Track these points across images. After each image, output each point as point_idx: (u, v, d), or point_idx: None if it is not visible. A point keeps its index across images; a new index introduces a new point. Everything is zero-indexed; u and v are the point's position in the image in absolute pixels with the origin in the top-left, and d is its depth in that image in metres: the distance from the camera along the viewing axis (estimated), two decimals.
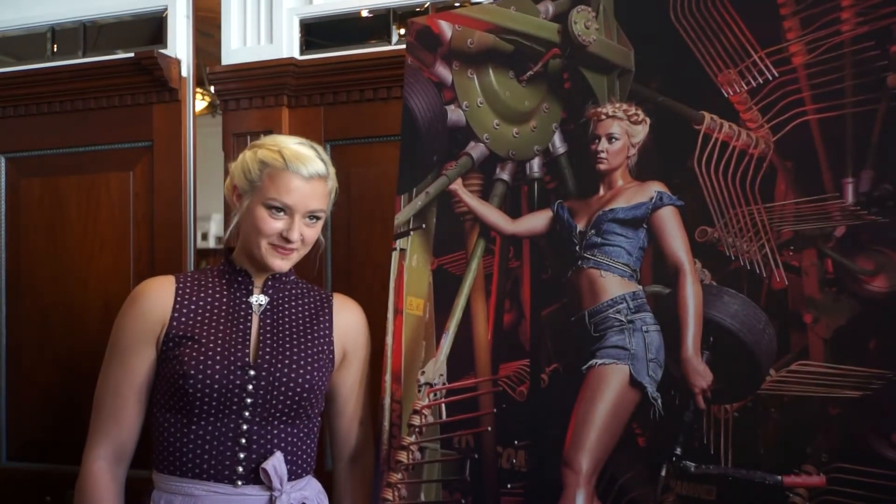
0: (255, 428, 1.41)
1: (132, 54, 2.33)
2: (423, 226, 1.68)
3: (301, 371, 1.45)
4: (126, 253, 2.40)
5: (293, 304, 1.53)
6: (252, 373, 1.41)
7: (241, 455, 1.40)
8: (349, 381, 1.59)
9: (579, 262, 1.47)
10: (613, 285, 1.43)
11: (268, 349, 1.45)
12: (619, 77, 1.47)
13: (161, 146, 2.37)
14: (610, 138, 1.46)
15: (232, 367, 1.40)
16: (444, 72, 1.67)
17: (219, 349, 1.41)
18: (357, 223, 2.13)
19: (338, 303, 1.58)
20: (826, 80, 1.27)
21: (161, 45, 2.40)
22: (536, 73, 1.57)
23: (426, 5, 2.20)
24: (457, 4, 2.18)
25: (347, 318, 1.58)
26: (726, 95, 1.35)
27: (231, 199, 1.49)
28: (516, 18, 1.58)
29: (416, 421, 1.60)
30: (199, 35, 2.43)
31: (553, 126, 1.56)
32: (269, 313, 1.49)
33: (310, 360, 1.47)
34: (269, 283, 1.51)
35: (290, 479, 1.44)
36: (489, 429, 1.55)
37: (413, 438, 1.60)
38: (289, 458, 1.44)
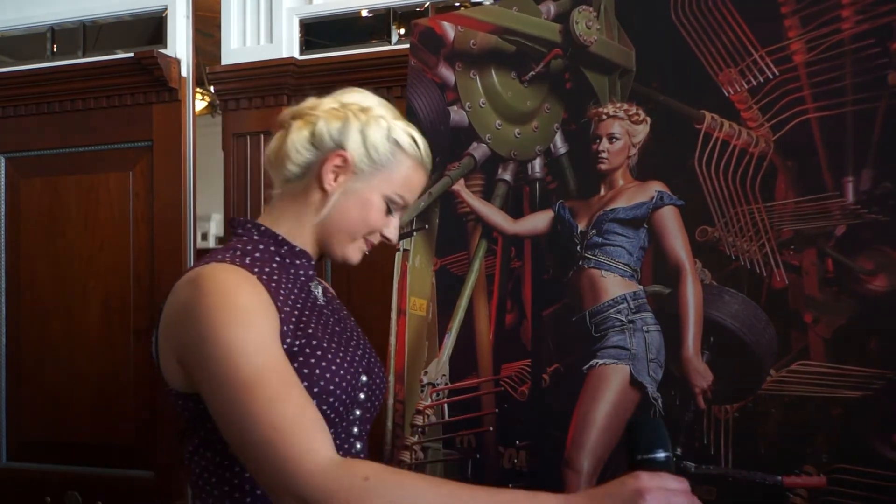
0: (364, 448, 1.12)
1: (132, 54, 2.33)
2: (426, 226, 1.68)
3: (384, 375, 1.19)
4: (126, 253, 2.40)
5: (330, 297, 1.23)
6: (364, 378, 1.11)
7: None
8: None
9: (580, 262, 1.47)
10: (614, 285, 1.43)
11: (359, 350, 1.14)
12: (620, 77, 1.47)
13: (161, 146, 2.37)
14: (611, 138, 1.46)
15: (352, 370, 1.08)
16: (446, 73, 1.67)
17: (333, 347, 1.07)
18: None
19: None
20: (826, 78, 1.27)
21: (161, 45, 2.40)
22: (538, 73, 1.57)
23: (426, 5, 2.20)
24: (456, 4, 2.18)
25: None
26: (727, 94, 1.35)
27: (314, 170, 1.09)
28: (518, 19, 1.58)
29: (419, 421, 1.60)
30: (199, 35, 2.43)
31: (554, 126, 1.56)
32: (328, 307, 1.15)
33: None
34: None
35: None
36: (491, 429, 1.55)
37: (416, 438, 1.60)
38: None
